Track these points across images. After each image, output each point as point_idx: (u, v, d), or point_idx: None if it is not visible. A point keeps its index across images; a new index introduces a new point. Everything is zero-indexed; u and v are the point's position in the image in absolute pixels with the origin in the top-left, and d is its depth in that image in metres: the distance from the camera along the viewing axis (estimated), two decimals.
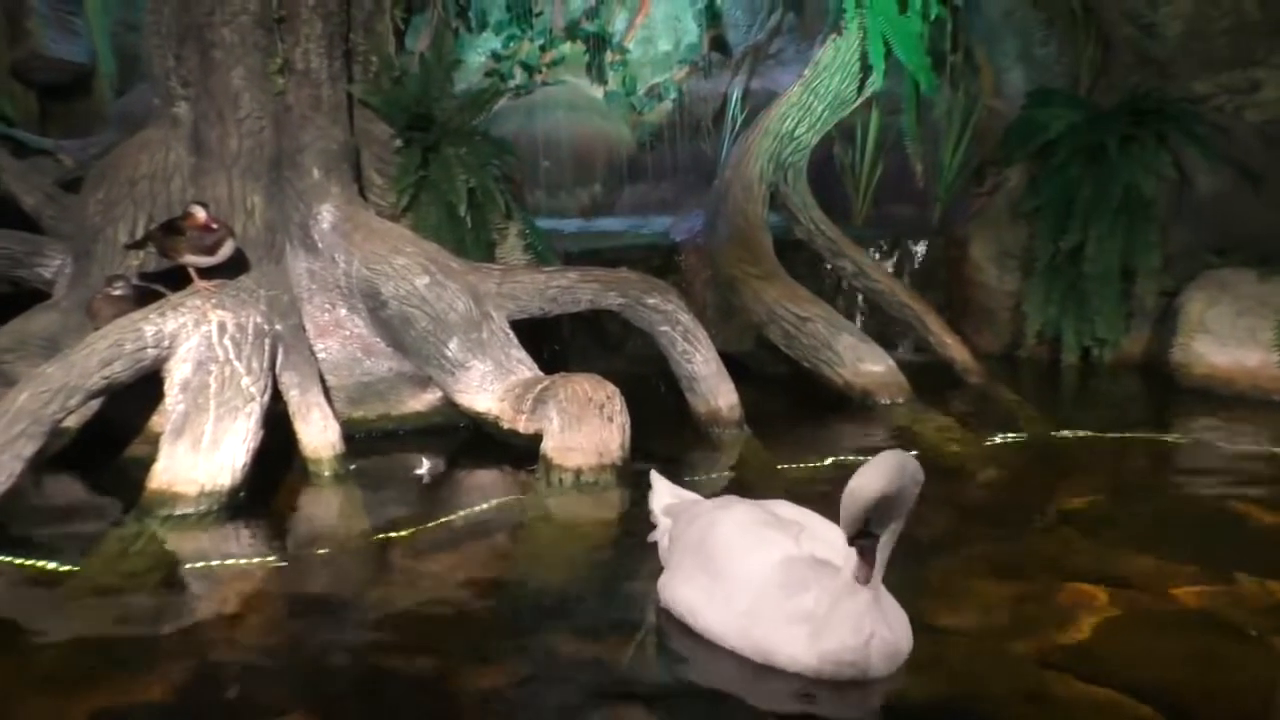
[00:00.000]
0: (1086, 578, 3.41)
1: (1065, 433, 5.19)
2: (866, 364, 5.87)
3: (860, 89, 6.67)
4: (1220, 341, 5.94)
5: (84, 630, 3.26)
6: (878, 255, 7.01)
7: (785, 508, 3.14)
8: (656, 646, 3.04)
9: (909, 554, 3.06)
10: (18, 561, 3.80)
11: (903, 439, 5.11)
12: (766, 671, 2.81)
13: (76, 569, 3.72)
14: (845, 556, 2.68)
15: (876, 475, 2.56)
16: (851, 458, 4.68)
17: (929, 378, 6.09)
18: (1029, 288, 6.72)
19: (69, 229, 5.64)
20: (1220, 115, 6.46)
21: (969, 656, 2.93)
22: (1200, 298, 6.12)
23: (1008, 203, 6.94)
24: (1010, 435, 5.15)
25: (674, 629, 3.09)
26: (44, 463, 4.41)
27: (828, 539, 2.90)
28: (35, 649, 3.14)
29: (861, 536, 2.59)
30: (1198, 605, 3.24)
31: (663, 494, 3.50)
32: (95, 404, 4.62)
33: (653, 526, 3.48)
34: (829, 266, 6.67)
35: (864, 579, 2.59)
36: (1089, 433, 5.18)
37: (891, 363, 5.90)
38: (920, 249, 7.17)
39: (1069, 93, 6.86)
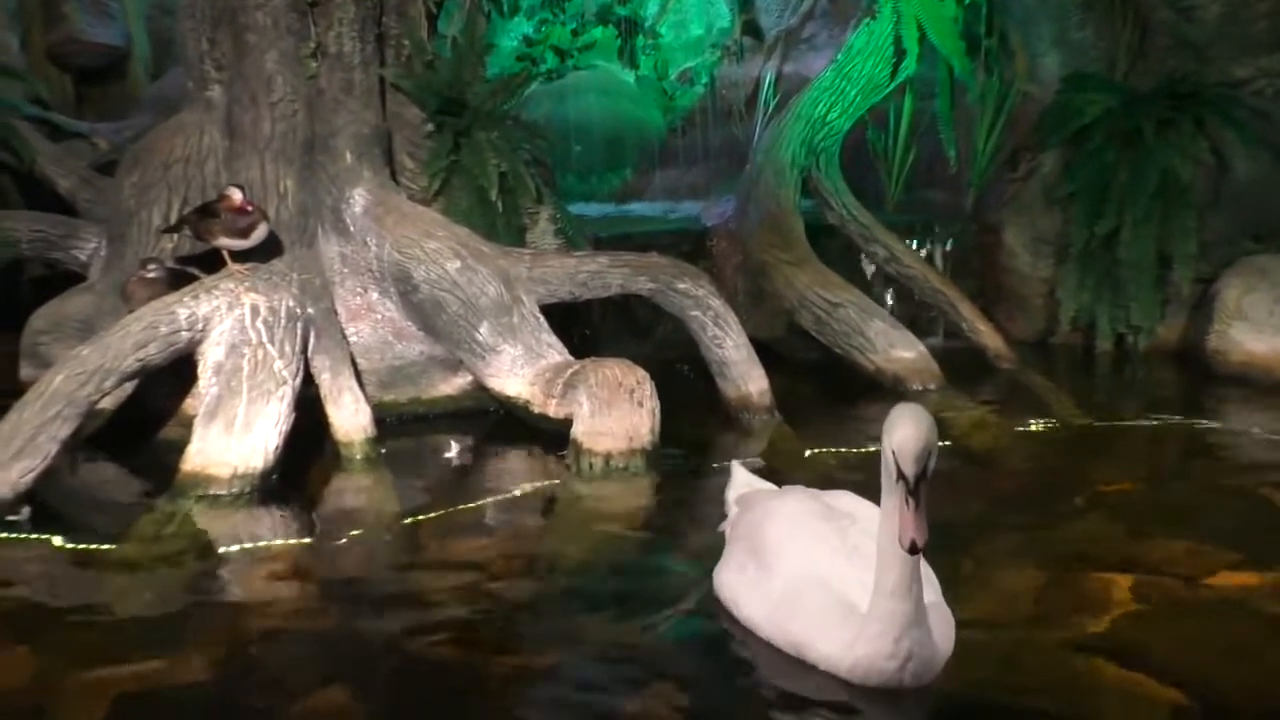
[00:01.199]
0: (1120, 566, 3.38)
1: (1099, 420, 5.14)
2: (898, 350, 5.85)
3: (893, 73, 6.63)
4: (1257, 328, 5.88)
5: (119, 609, 3.29)
6: (912, 241, 6.96)
7: (845, 499, 3.10)
8: (697, 633, 3.04)
9: (941, 541, 3.03)
10: (54, 541, 3.84)
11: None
12: (798, 664, 2.80)
13: (111, 549, 3.76)
14: (888, 531, 2.55)
15: (914, 423, 2.51)
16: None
17: (961, 364, 6.06)
18: (1063, 274, 6.67)
19: (104, 212, 5.69)
20: (1259, 99, 6.36)
21: (1001, 644, 2.92)
22: (1237, 284, 6.05)
23: (1042, 188, 6.88)
24: (1043, 422, 5.11)
25: (720, 616, 3.08)
26: (79, 444, 4.45)
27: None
28: (71, 628, 3.17)
29: (921, 480, 2.51)
30: (1234, 594, 3.20)
31: (739, 484, 3.47)
32: (130, 386, 4.67)
33: (724, 516, 3.46)
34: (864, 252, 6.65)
35: (921, 539, 2.49)
36: (1123, 420, 5.13)
37: (923, 349, 5.88)
38: (953, 235, 7.12)
39: (1105, 77, 6.78)
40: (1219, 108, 6.30)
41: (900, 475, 2.49)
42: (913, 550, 2.48)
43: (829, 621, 2.74)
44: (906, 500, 2.49)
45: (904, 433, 2.49)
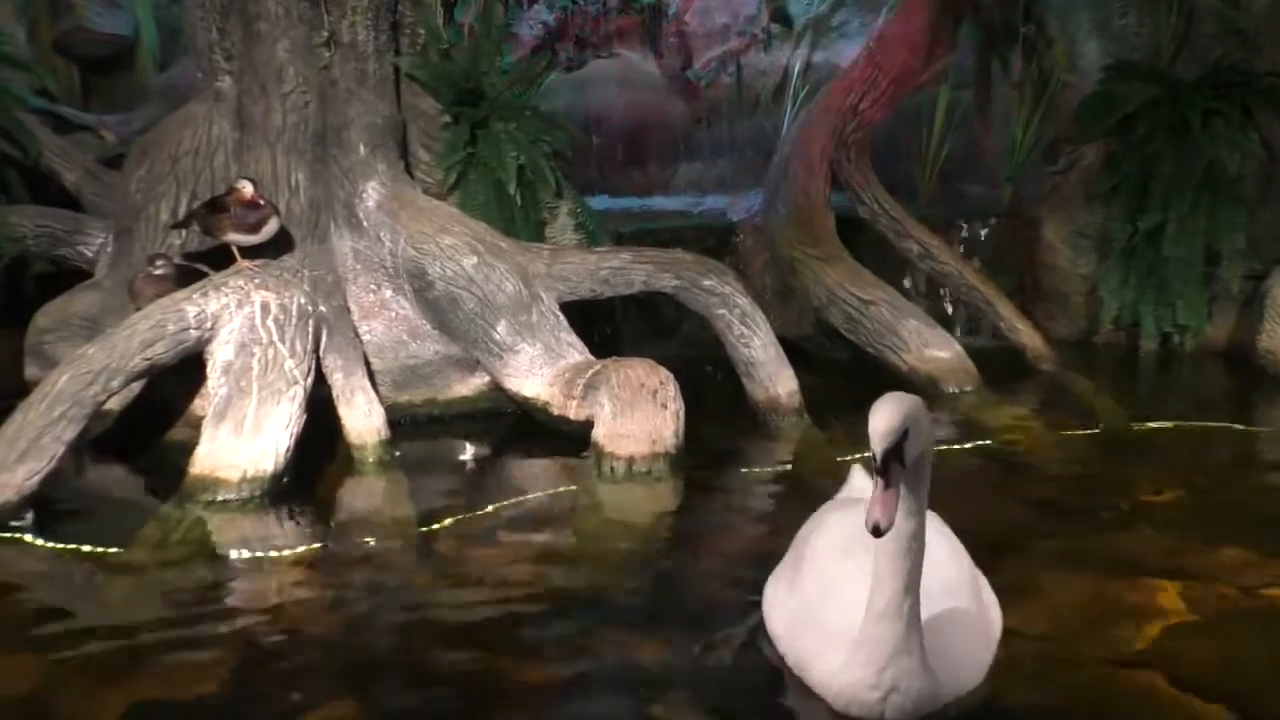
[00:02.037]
0: (1164, 575, 3.35)
1: (1143, 423, 5.09)
2: (932, 349, 5.81)
3: (927, 62, 6.58)
4: None
5: (125, 617, 3.30)
6: (946, 237, 6.92)
7: None
8: (728, 648, 3.02)
9: (975, 550, 3.01)
10: (59, 546, 3.85)
11: (971, 428, 5.05)
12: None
13: (118, 554, 3.77)
14: (869, 504, 2.45)
15: (888, 403, 2.46)
16: None
17: (998, 365, 6.01)
18: (1105, 271, 6.61)
19: (111, 206, 5.71)
20: None
21: (1042, 656, 2.89)
22: None
23: (1083, 181, 6.82)
24: (1084, 425, 5.06)
25: (750, 628, 3.05)
26: (85, 446, 4.48)
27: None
28: (76, 636, 3.18)
29: (892, 459, 2.45)
30: None
31: (854, 488, 3.37)
32: (137, 386, 4.68)
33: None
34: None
35: (885, 521, 2.38)
36: (1168, 423, 5.08)
37: (959, 348, 5.83)
38: (990, 230, 7.08)
39: (1149, 65, 6.71)
40: (1269, 97, 6.23)
41: (873, 457, 2.45)
42: (875, 533, 2.41)
43: (828, 643, 2.68)
44: (875, 480, 2.44)
45: (876, 413, 2.45)
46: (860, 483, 3.36)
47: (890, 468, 2.41)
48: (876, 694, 2.54)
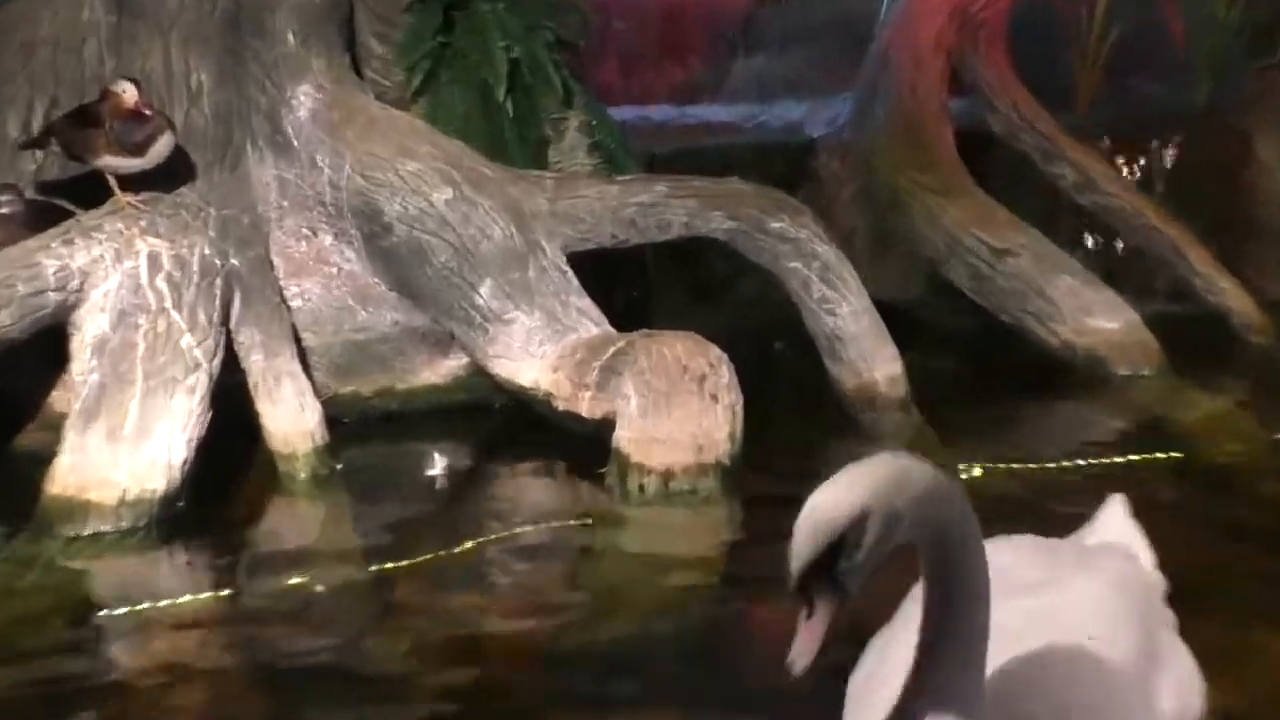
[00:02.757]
0: None
1: None
2: (1095, 318, 5.79)
3: None
4: None
5: None
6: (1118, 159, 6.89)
7: (1066, 560, 2.97)
8: None
9: (1172, 594, 2.96)
10: None
11: (1151, 429, 5.02)
12: None
13: None
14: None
15: (850, 487, 2.27)
16: (1080, 461, 4.58)
17: (1191, 338, 5.99)
18: None
19: None
20: None
21: None
22: None
23: None
24: None
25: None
26: None
27: (1064, 614, 2.71)
28: None
29: (815, 579, 2.29)
30: None
31: (1097, 529, 3.20)
32: None
33: None
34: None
35: (800, 662, 2.24)
36: None
37: (1133, 316, 5.82)
38: (1177, 148, 7.03)
39: None
40: None
41: None
42: (791, 673, 2.27)
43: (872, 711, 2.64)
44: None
45: (808, 504, 2.23)
46: (1112, 518, 3.18)
47: (812, 587, 2.16)
48: None
